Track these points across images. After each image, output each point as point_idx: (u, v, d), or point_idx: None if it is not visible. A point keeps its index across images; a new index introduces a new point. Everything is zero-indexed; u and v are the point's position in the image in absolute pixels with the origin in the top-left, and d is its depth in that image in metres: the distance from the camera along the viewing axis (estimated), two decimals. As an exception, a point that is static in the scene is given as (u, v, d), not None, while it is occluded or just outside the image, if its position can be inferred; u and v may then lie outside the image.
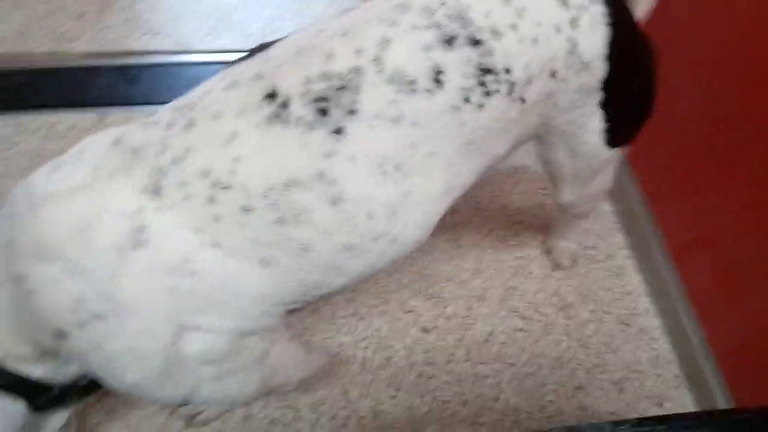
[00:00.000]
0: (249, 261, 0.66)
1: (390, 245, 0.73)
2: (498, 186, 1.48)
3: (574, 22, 0.72)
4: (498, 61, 0.70)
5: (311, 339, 1.22)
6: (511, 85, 0.71)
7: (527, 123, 0.79)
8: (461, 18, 0.68)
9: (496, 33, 0.69)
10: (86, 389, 0.80)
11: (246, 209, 0.65)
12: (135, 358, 0.67)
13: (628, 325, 1.30)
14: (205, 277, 0.65)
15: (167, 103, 0.72)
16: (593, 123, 0.83)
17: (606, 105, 0.81)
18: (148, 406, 1.12)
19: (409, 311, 1.28)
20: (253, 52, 0.72)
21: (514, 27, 0.70)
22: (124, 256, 0.63)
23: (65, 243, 0.63)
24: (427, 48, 0.67)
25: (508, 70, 0.70)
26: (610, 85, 0.78)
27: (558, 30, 0.72)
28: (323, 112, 0.65)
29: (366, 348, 1.23)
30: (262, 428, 1.13)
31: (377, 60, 0.67)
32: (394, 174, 0.69)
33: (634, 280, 1.37)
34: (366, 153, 0.67)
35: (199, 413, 1.10)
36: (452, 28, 0.68)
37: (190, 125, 0.66)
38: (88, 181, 0.65)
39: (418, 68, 0.67)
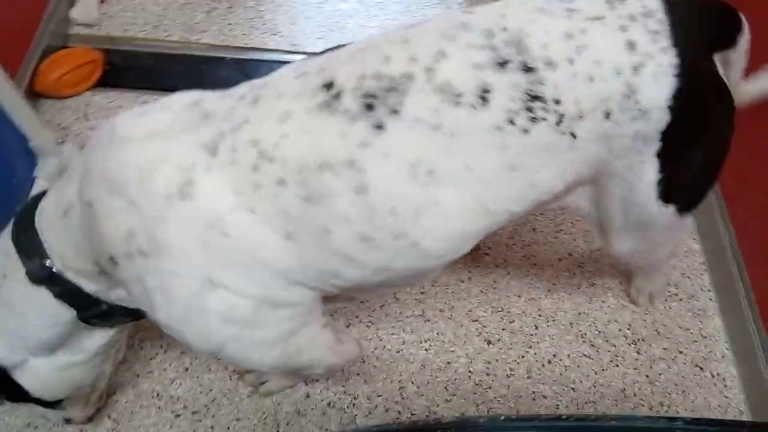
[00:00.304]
0: (276, 232, 0.72)
1: (409, 249, 0.75)
2: (583, 210, 1.46)
3: (637, 68, 0.71)
4: (548, 91, 0.71)
5: (366, 331, 1.27)
6: (560, 116, 0.72)
7: (581, 162, 0.78)
8: (518, 44, 0.71)
9: (550, 64, 0.71)
10: (131, 313, 0.88)
11: (281, 182, 0.70)
12: (165, 298, 0.75)
13: (701, 368, 1.25)
14: (237, 238, 0.71)
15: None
16: (648, 173, 0.80)
17: (664, 156, 0.78)
18: (221, 369, 1.22)
19: (475, 320, 1.30)
20: (327, 51, 0.79)
21: (570, 61, 0.71)
22: (171, 203, 0.70)
23: (129, 181, 0.71)
24: (479, 67, 0.70)
25: (557, 101, 0.71)
26: (670, 137, 0.76)
27: (618, 72, 0.71)
28: (369, 107, 0.70)
29: (428, 349, 1.26)
30: (319, 408, 1.19)
31: (429, 69, 0.71)
32: (426, 178, 0.71)
33: (715, 324, 1.31)
34: (401, 151, 0.70)
35: (263, 383, 1.18)
36: (507, 52, 0.71)
37: (255, 100, 0.74)
38: (161, 131, 0.74)
39: (466, 83, 0.70)
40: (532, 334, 1.29)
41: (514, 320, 1.30)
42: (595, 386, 1.23)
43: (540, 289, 1.35)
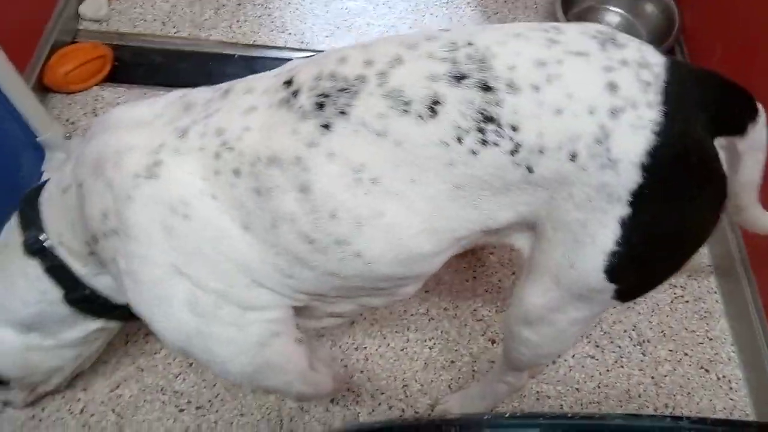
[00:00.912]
0: (235, 222, 0.72)
1: (354, 259, 0.73)
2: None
3: (615, 112, 0.65)
4: (504, 115, 0.66)
5: (370, 329, 1.27)
6: (516, 145, 0.67)
7: (534, 199, 0.71)
8: (482, 62, 0.67)
9: (513, 87, 0.66)
10: (114, 308, 0.90)
11: (236, 172, 0.71)
12: (132, 281, 0.75)
13: (707, 371, 1.24)
14: (200, 223, 0.72)
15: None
16: (604, 238, 0.69)
17: (628, 226, 0.68)
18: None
19: (480, 320, 1.30)
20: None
21: (536, 88, 0.66)
22: (138, 183, 0.72)
23: (107, 164, 0.74)
24: (434, 77, 0.67)
25: (514, 128, 0.66)
26: (639, 206, 0.67)
27: (591, 112, 0.65)
28: (320, 106, 0.69)
29: (432, 348, 1.26)
30: (323, 404, 1.19)
31: (382, 74, 0.69)
32: (369, 185, 0.69)
33: (721, 326, 1.30)
34: (345, 154, 0.69)
35: None
36: (467, 67, 0.67)
37: (228, 92, 0.75)
38: (147, 120, 0.76)
39: (417, 92, 0.67)
40: (536, 334, 1.28)
41: (518, 320, 1.30)
42: (599, 387, 1.22)
43: (545, 289, 1.34)
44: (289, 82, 0.72)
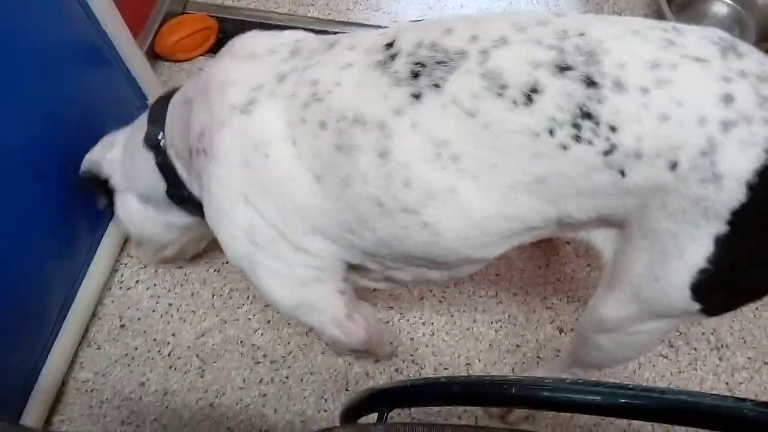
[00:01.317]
0: (308, 171, 0.76)
1: (420, 230, 0.74)
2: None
3: (726, 126, 0.61)
4: (605, 113, 0.63)
5: (438, 306, 1.30)
6: (612, 146, 0.64)
7: (621, 204, 0.69)
8: (590, 55, 0.64)
9: (619, 86, 0.63)
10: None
11: (322, 124, 0.74)
12: (208, 198, 0.83)
13: (786, 382, 1.19)
14: (274, 164, 0.76)
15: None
16: (694, 254, 0.66)
17: (723, 245, 0.65)
18: (300, 325, 1.29)
19: (549, 308, 1.30)
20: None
21: (644, 90, 0.63)
22: (233, 114, 0.77)
23: (214, 88, 0.80)
24: (537, 64, 0.65)
25: (613, 128, 0.64)
26: (739, 225, 0.63)
27: (701, 122, 0.61)
28: (415, 75, 0.69)
29: (498, 330, 1.28)
30: (387, 373, 1.24)
31: (484, 52, 0.67)
32: (447, 162, 0.69)
33: (808, 338, 1.24)
34: (430, 127, 0.69)
35: None
36: (574, 58, 0.65)
37: (333, 45, 0.78)
38: (261, 54, 0.81)
39: (516, 77, 0.66)
40: (607, 328, 1.27)
41: (589, 311, 1.29)
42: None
43: (620, 283, 1.32)
44: (390, 44, 0.73)
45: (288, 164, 0.76)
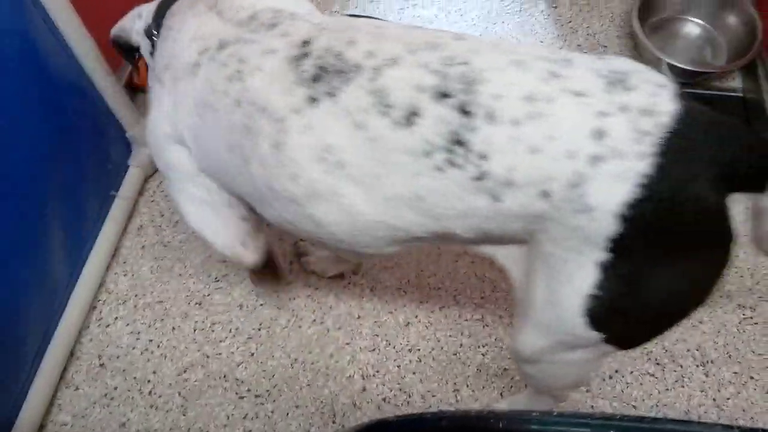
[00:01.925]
0: (223, 140, 0.81)
1: (308, 220, 0.78)
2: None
3: (595, 160, 0.62)
4: (476, 142, 0.65)
5: (425, 332, 1.29)
6: (483, 173, 0.66)
7: (506, 227, 0.70)
8: (469, 84, 0.66)
9: (491, 117, 0.65)
10: None
11: (238, 102, 0.78)
12: (150, 119, 0.91)
13: (774, 397, 1.19)
14: (204, 125, 0.83)
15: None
16: (580, 280, 0.67)
17: (607, 271, 0.66)
18: (284, 357, 1.27)
19: (535, 329, 1.29)
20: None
21: (516, 123, 0.64)
22: (186, 72, 0.84)
23: (185, 38, 0.86)
24: (420, 88, 0.68)
25: (483, 157, 0.65)
26: (621, 253, 0.64)
27: (571, 156, 0.62)
28: (316, 78, 0.73)
29: (485, 354, 1.26)
30: (375, 403, 1.22)
31: (376, 70, 0.70)
32: (333, 167, 0.72)
33: (792, 352, 1.24)
34: (320, 132, 0.72)
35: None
36: (454, 86, 0.67)
37: (274, 26, 0.81)
38: (226, 12, 0.85)
39: (400, 98, 0.68)
40: (593, 348, 1.27)
41: (575, 332, 1.28)
42: (657, 405, 1.19)
43: (605, 302, 1.32)
44: (307, 42, 0.76)
45: (211, 129, 0.82)
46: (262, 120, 0.76)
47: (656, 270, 0.66)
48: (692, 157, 0.63)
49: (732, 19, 1.68)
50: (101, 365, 1.28)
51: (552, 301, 0.71)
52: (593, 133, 0.62)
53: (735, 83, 1.67)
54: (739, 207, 0.68)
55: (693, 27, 1.76)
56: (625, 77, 0.65)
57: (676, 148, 0.62)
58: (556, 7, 1.87)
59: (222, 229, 0.95)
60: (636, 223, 0.62)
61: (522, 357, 0.81)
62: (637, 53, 1.71)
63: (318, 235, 0.80)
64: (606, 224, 0.63)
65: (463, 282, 1.36)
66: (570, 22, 1.83)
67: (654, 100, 0.63)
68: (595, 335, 0.71)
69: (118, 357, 1.29)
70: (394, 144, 0.69)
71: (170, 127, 0.87)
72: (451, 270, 1.37)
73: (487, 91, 0.66)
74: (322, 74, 0.73)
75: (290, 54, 0.76)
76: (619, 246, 0.64)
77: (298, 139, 0.73)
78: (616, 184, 0.62)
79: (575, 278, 0.67)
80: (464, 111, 0.66)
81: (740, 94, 1.65)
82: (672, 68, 1.62)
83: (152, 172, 1.55)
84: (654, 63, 1.66)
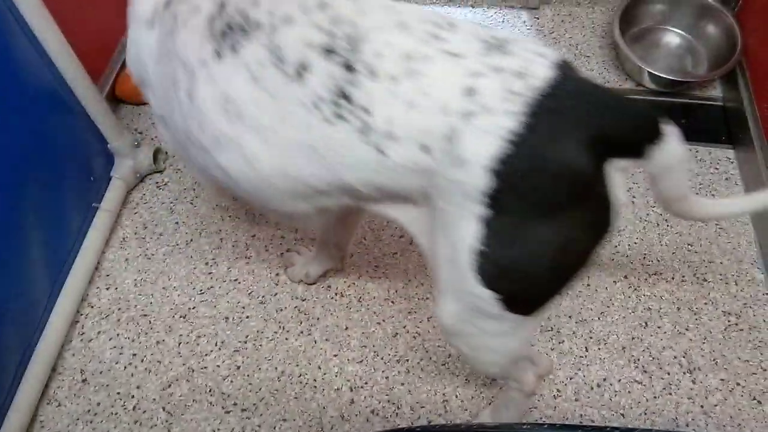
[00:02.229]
0: (161, 86, 0.87)
1: (215, 167, 0.84)
2: (641, 234, 1.43)
3: (467, 116, 0.66)
4: (359, 96, 0.70)
5: (413, 342, 1.28)
6: (366, 126, 0.70)
7: (399, 183, 0.73)
8: (355, 42, 0.71)
9: (372, 73, 0.70)
10: None
11: (169, 53, 0.84)
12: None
13: (760, 402, 1.19)
14: (152, 73, 0.90)
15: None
16: (466, 232, 0.70)
17: (490, 227, 0.68)
18: (271, 369, 1.26)
19: (524, 338, 1.29)
20: None
21: (394, 79, 0.69)
22: (157, 14, 0.88)
23: None
24: (310, 45, 0.73)
25: (366, 110, 0.70)
26: (496, 207, 0.67)
27: (444, 112, 0.67)
28: (223, 34, 0.78)
29: (474, 364, 1.26)
30: (363, 415, 1.21)
31: (273, 27, 0.75)
32: (234, 117, 0.78)
33: (778, 357, 1.25)
34: (223, 84, 0.78)
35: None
36: (340, 44, 0.72)
37: None
38: None
39: (293, 54, 0.73)
40: (582, 356, 1.27)
41: (563, 341, 1.29)
42: (645, 413, 1.19)
43: (592, 311, 1.33)
44: (224, 4, 0.80)
45: (160, 80, 0.88)
46: (180, 72, 0.81)
47: (532, 227, 0.68)
48: (563, 119, 0.66)
49: (711, 29, 1.71)
50: (84, 381, 1.26)
51: (452, 259, 0.73)
52: (465, 91, 0.66)
53: (716, 92, 1.70)
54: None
55: (673, 37, 1.78)
56: (505, 44, 0.69)
57: (547, 110, 0.65)
58: (538, 18, 1.89)
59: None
60: (507, 178, 0.65)
61: (444, 328, 0.82)
62: (619, 63, 1.74)
63: (228, 185, 0.85)
64: (479, 178, 0.66)
65: (451, 292, 1.35)
66: (552, 32, 1.85)
67: (529, 66, 0.67)
68: (489, 294, 0.72)
69: (101, 372, 1.26)
70: (287, 96, 0.74)
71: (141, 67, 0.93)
72: (439, 280, 1.37)
73: (370, 50, 0.71)
74: (228, 31, 0.78)
75: (209, 12, 0.80)
76: (495, 201, 0.67)
77: (204, 90, 0.79)
78: (485, 139, 0.65)
79: (463, 233, 0.70)
80: (349, 67, 0.71)
81: (720, 103, 1.68)
82: (653, 77, 1.65)
83: (135, 183, 1.53)
84: (636, 72, 1.69)
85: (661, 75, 1.62)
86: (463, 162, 0.67)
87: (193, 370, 1.26)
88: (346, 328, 1.31)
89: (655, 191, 0.81)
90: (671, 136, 0.71)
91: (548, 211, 0.68)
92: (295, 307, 1.34)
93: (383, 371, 1.26)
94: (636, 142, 0.70)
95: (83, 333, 1.32)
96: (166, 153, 1.59)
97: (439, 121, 0.67)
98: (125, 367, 1.27)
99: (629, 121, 0.70)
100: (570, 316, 1.32)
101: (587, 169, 0.67)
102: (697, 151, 1.58)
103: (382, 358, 1.27)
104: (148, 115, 1.67)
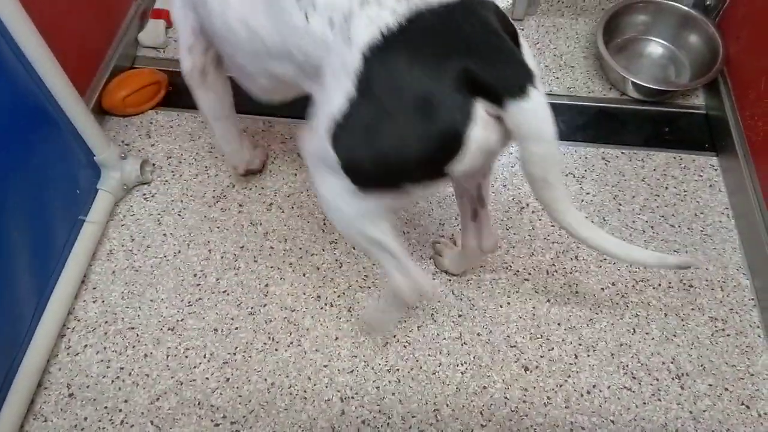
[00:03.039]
0: None
1: (207, 15, 1.01)
2: (627, 241, 1.45)
3: (363, 2, 0.75)
4: None
5: (403, 351, 1.28)
6: None
7: (314, 50, 0.82)
8: None
9: None
10: None
11: None
12: None
13: (748, 407, 1.20)
14: None
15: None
16: (332, 105, 0.78)
17: (351, 103, 0.76)
18: (261, 381, 1.25)
19: (513, 346, 1.29)
20: None
21: None
22: None
23: None
24: None
25: None
26: (361, 89, 0.75)
27: None
28: None
29: (464, 373, 1.26)
30: (354, 425, 1.20)
31: None
32: None
33: (763, 361, 1.26)
34: None
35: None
36: None
37: None
38: None
39: None
40: (571, 363, 1.27)
41: (553, 348, 1.29)
42: (635, 420, 1.20)
43: (581, 318, 1.33)
44: None
45: None
46: None
47: (378, 119, 0.75)
48: (438, 40, 0.73)
49: (693, 39, 1.74)
50: (71, 395, 1.24)
51: (320, 114, 0.82)
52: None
53: (699, 100, 1.72)
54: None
55: (656, 47, 1.81)
56: None
57: (429, 24, 0.72)
58: (523, 29, 1.91)
59: (182, 32, 1.18)
60: (373, 67, 0.73)
61: (303, 154, 0.93)
62: (603, 73, 1.76)
63: (213, 30, 1.02)
64: (357, 60, 0.74)
65: (441, 300, 1.36)
66: (537, 43, 1.87)
67: None
68: (333, 154, 0.81)
69: (87, 386, 1.25)
70: None
71: None
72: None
73: None
74: None
75: None
76: (361, 84, 0.74)
77: None
78: (369, 27, 0.73)
79: (331, 101, 0.79)
80: None
81: (704, 111, 1.70)
82: (637, 87, 1.67)
83: (122, 195, 1.52)
84: (620, 82, 1.71)
85: (645, 84, 1.65)
86: (350, 42, 0.75)
87: (181, 383, 1.25)
88: (336, 339, 1.31)
89: (521, 164, 0.82)
90: (536, 100, 0.73)
91: (394, 111, 0.74)
92: (285, 318, 1.34)
93: (374, 381, 1.25)
94: (498, 86, 0.73)
95: (70, 347, 1.30)
96: (153, 164, 1.58)
97: (343, 1, 0.76)
98: (113, 381, 1.26)
99: (498, 65, 0.73)
100: (559, 323, 1.32)
101: (440, 93, 0.72)
102: (681, 159, 1.60)
103: (372, 368, 1.27)
104: (135, 126, 1.66)
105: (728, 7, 1.69)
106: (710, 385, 1.24)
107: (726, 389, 1.23)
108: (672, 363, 1.27)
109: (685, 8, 1.74)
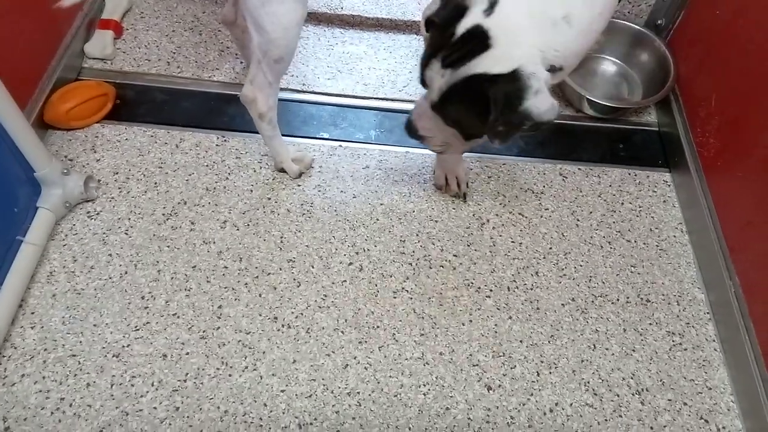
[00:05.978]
0: None
1: None
2: (586, 256, 1.45)
3: None
4: None
5: (364, 373, 1.24)
6: None
7: None
8: None
9: None
10: None
11: None
12: None
13: (707, 421, 1.21)
14: None
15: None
16: None
17: None
18: (213, 409, 1.19)
19: (476, 365, 1.27)
20: None
21: None
22: None
23: None
24: None
25: None
26: None
27: None
28: None
29: (426, 394, 1.23)
30: (313, 452, 1.15)
31: None
32: None
33: (720, 375, 1.28)
34: None
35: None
36: None
37: None
38: None
39: None
40: (533, 381, 1.26)
41: (515, 366, 1.27)
42: (598, 438, 1.19)
43: (542, 334, 1.32)
44: None
45: None
46: None
47: None
48: None
49: (645, 57, 1.78)
50: (6, 429, 1.15)
51: None
52: None
53: (651, 118, 1.76)
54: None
55: (609, 65, 1.85)
56: None
57: None
58: (481, 45, 1.91)
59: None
60: None
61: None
62: (560, 90, 1.78)
63: None
64: None
65: (402, 320, 1.32)
66: (495, 59, 1.88)
67: None
68: None
69: (25, 419, 1.16)
70: None
71: None
72: (389, 307, 1.34)
73: None
74: None
75: None
76: None
77: None
78: None
79: None
80: None
81: (656, 128, 1.74)
82: (592, 104, 1.69)
83: (64, 214, 1.44)
84: (576, 99, 1.73)
85: (599, 102, 1.67)
86: None
87: (127, 414, 1.18)
88: (294, 362, 1.26)
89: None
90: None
91: None
92: (239, 341, 1.28)
93: (333, 405, 1.21)
94: None
95: (6, 377, 1.21)
96: (99, 181, 1.51)
97: None
98: (52, 413, 1.17)
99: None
100: (521, 341, 1.31)
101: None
102: (636, 175, 1.63)
103: (332, 392, 1.22)
104: (79, 141, 1.58)
105: (678, 26, 1.74)
106: (669, 400, 1.24)
107: (685, 404, 1.24)
108: (632, 378, 1.27)
109: (637, 27, 1.79)
